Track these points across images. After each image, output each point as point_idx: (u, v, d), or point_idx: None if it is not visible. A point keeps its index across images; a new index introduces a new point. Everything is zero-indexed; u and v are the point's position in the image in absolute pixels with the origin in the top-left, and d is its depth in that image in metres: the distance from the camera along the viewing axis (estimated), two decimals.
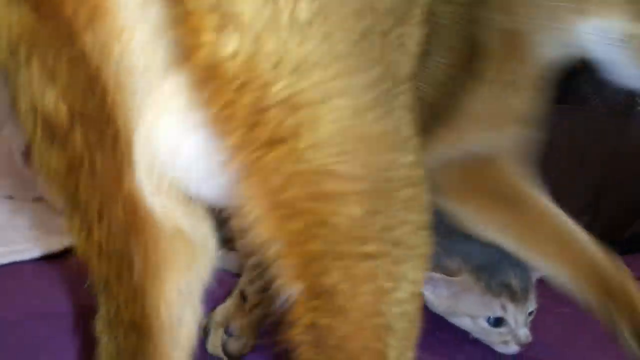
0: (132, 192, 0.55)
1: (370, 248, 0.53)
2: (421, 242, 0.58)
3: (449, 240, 0.96)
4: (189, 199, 0.59)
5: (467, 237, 0.98)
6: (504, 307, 0.92)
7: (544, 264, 0.94)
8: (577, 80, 1.50)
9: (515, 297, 0.92)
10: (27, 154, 1.62)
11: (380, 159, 0.53)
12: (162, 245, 0.59)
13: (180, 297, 0.62)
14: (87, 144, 0.53)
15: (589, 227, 1.48)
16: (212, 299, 0.94)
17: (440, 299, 0.95)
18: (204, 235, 0.63)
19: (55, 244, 1.26)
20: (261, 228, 0.52)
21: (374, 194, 0.53)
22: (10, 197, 1.57)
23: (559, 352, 1.01)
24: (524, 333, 0.92)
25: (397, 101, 0.54)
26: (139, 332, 0.61)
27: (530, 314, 0.95)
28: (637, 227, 1.62)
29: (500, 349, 0.94)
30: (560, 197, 1.38)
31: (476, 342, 0.99)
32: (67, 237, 1.25)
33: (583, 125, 1.46)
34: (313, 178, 0.50)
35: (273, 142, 0.48)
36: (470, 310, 0.94)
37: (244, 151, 0.49)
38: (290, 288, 0.54)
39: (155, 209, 0.57)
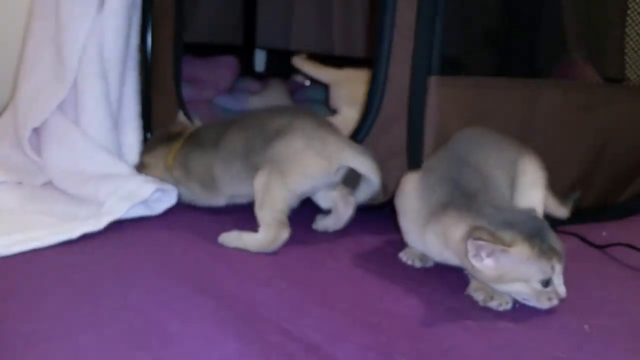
0: None
1: None
2: None
3: (498, 213, 1.04)
4: None
5: (511, 209, 1.08)
6: (553, 268, 1.01)
7: None
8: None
9: (560, 257, 1.01)
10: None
11: None
12: None
13: None
14: None
15: (586, 194, 1.55)
16: None
17: (497, 270, 1.02)
18: None
19: (72, 230, 1.28)
20: None
21: None
22: (20, 183, 1.59)
23: (561, 312, 1.06)
24: (563, 288, 1.02)
25: None
26: None
27: None
28: (630, 193, 1.68)
29: (545, 305, 1.03)
30: (560, 165, 1.44)
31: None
32: (83, 223, 1.30)
33: (576, 98, 1.50)
34: None
35: None
36: (526, 275, 1.01)
37: None
38: None
39: None
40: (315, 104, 2.60)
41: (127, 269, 1.17)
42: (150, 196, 1.43)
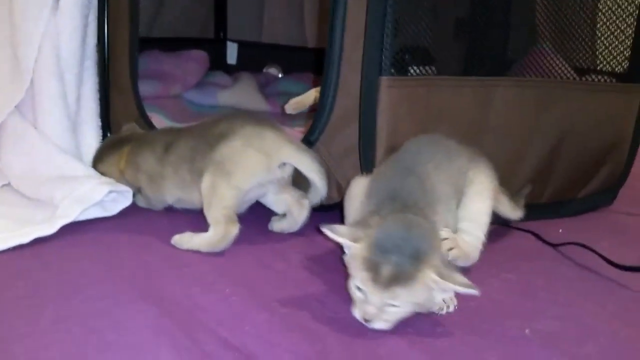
0: None
1: None
2: None
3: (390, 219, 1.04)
4: None
5: (409, 220, 1.04)
6: (365, 282, 0.98)
7: None
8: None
9: (377, 279, 0.97)
10: None
11: None
12: None
13: None
14: None
15: (543, 190, 1.55)
16: None
17: (347, 256, 1.05)
18: None
19: (25, 235, 1.28)
20: None
21: None
22: None
23: (504, 316, 1.07)
24: (369, 311, 0.99)
25: None
26: None
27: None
28: (590, 189, 1.68)
29: (353, 310, 1.02)
30: (515, 161, 1.44)
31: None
32: (36, 228, 1.30)
33: (536, 94, 1.50)
34: None
35: None
36: (351, 270, 1.02)
37: None
38: None
39: None
40: (288, 96, 2.59)
41: (76, 273, 1.17)
42: (104, 197, 1.42)
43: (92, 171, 1.53)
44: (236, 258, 1.27)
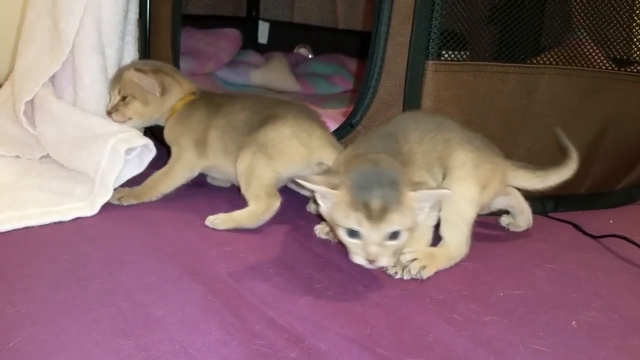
0: None
1: None
2: None
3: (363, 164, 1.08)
4: None
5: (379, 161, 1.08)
6: (360, 221, 1.02)
7: None
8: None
9: (371, 215, 1.01)
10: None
11: None
12: None
13: None
14: None
15: (582, 181, 1.53)
16: None
17: (327, 209, 1.08)
18: None
19: (66, 212, 1.29)
20: None
21: None
22: (17, 157, 1.59)
23: (549, 306, 1.06)
24: (372, 251, 1.03)
25: None
26: None
27: (395, 235, 1.04)
28: (629, 180, 1.66)
29: (355, 259, 1.06)
30: (557, 150, 1.42)
31: None
32: (77, 207, 1.30)
33: (580, 83, 1.48)
34: None
35: None
36: (337, 219, 1.05)
37: None
38: None
39: None
40: (318, 77, 2.58)
41: (118, 248, 1.17)
42: (128, 157, 1.43)
43: (110, 127, 1.50)
44: (275, 239, 1.27)
